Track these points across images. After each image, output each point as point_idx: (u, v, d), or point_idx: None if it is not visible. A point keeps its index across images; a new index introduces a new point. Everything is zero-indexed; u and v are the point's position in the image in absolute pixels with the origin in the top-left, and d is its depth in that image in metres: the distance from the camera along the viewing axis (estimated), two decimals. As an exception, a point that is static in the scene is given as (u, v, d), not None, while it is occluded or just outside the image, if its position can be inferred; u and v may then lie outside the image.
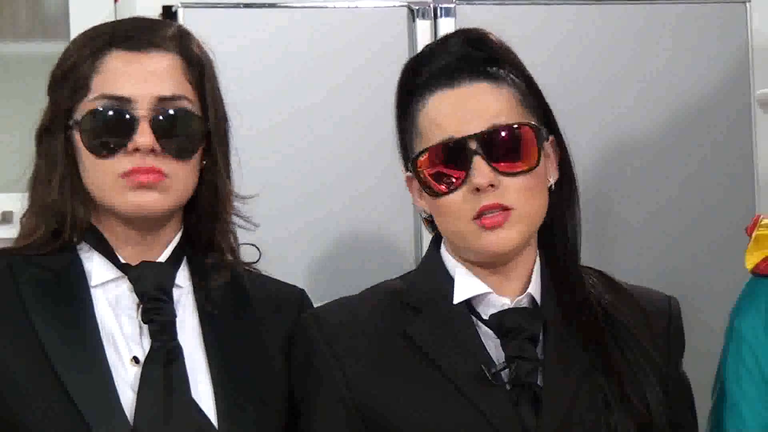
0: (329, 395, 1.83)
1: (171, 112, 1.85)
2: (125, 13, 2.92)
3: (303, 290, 2.02)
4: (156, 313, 1.84)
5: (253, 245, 1.99)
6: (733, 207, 2.80)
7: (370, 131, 2.66)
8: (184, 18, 2.57)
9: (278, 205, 2.60)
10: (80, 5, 3.08)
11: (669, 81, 2.79)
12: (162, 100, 1.85)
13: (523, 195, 1.81)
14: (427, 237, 1.97)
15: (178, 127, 1.85)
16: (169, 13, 2.63)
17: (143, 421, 1.78)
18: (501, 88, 1.85)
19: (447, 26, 2.69)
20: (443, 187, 1.82)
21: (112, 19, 3.00)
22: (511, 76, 1.86)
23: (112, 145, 1.83)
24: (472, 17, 2.67)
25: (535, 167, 1.83)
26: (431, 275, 1.90)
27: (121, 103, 1.84)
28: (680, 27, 2.80)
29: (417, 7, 2.70)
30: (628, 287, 1.94)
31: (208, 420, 1.81)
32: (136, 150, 1.82)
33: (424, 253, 1.97)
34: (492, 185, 1.79)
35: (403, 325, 1.85)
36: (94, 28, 1.93)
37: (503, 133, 1.82)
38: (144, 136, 1.82)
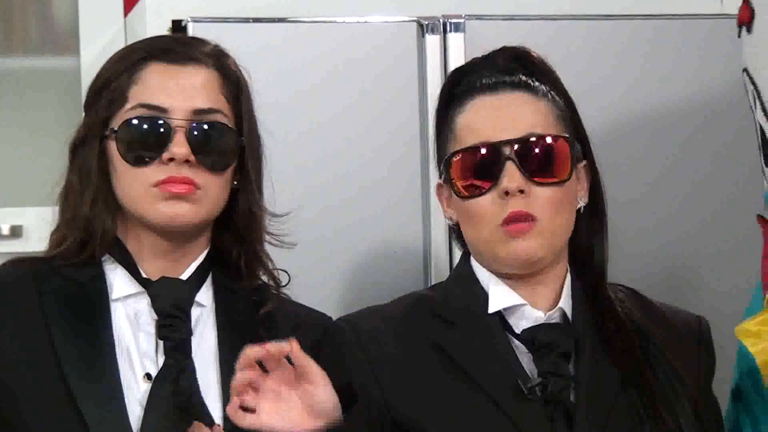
0: (362, 398, 1.80)
1: (206, 124, 1.86)
2: (135, 28, 2.92)
3: (331, 318, 1.99)
4: (171, 330, 1.84)
5: (283, 270, 1.98)
6: (743, 214, 2.79)
7: (380, 146, 2.66)
8: (194, 32, 2.57)
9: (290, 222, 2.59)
10: (90, 20, 3.10)
11: (677, 95, 2.79)
12: (198, 112, 1.86)
13: (549, 207, 1.81)
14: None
15: (213, 139, 1.87)
16: (178, 27, 2.63)
17: (149, 437, 1.78)
18: (540, 101, 1.87)
19: (456, 41, 2.69)
20: (473, 190, 1.83)
21: (122, 33, 3.03)
22: (552, 93, 1.88)
23: (147, 154, 1.84)
24: (481, 32, 2.68)
25: (566, 180, 1.84)
26: (464, 287, 1.89)
27: (158, 112, 1.85)
28: (690, 42, 2.80)
29: (426, 22, 2.70)
30: (659, 305, 1.95)
31: (215, 439, 1.81)
32: (171, 160, 1.84)
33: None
34: (521, 191, 1.80)
35: (435, 336, 1.85)
36: (131, 45, 1.95)
37: (538, 143, 1.83)
38: (179, 147, 1.83)
